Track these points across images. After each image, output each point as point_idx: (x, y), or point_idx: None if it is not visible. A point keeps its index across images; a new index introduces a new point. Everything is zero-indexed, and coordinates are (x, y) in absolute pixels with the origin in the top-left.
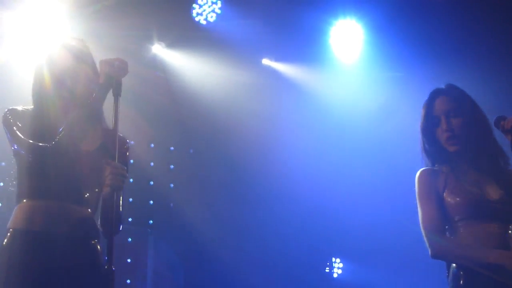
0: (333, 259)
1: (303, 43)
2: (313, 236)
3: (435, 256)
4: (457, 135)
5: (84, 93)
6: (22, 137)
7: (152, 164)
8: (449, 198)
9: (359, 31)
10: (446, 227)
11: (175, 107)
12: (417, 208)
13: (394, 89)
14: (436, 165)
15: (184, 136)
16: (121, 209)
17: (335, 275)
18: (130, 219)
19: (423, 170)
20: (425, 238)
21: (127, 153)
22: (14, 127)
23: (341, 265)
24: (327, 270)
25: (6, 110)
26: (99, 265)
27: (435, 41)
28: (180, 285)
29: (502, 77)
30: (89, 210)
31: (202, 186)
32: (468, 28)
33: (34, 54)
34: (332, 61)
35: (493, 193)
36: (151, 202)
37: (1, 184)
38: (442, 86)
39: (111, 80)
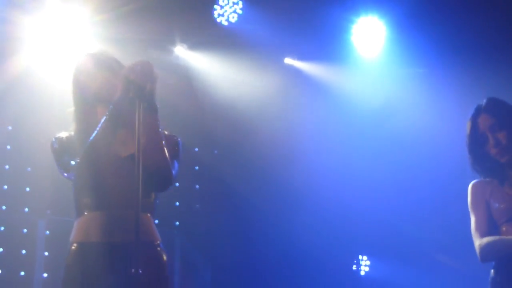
0: (360, 257)
1: (325, 41)
2: (340, 233)
3: (483, 257)
4: (505, 147)
5: (108, 99)
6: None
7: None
8: (493, 205)
9: (381, 28)
10: (493, 231)
11: (198, 108)
12: (445, 204)
13: (416, 86)
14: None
15: (208, 137)
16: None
17: (362, 273)
18: (156, 221)
19: (474, 182)
20: (475, 245)
21: (178, 152)
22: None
23: (368, 262)
24: (354, 268)
25: (53, 139)
26: (163, 271)
27: (456, 38)
28: (206, 286)
29: None
30: (148, 214)
31: (227, 187)
32: (491, 24)
33: (56, 59)
34: (355, 59)
35: None
36: (177, 203)
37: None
38: (482, 102)
39: (131, 85)
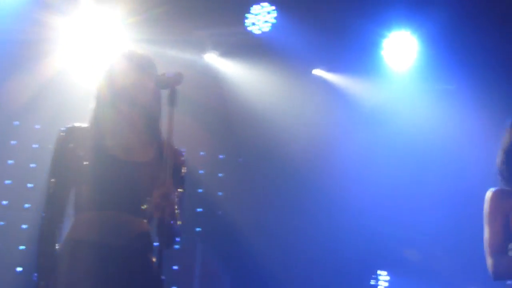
0: (379, 272)
1: (356, 54)
2: (360, 246)
3: (496, 276)
4: None
5: (143, 104)
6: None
7: (201, 171)
8: None
9: (413, 42)
10: (510, 247)
11: (226, 115)
12: (468, 220)
13: (446, 101)
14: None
15: (234, 144)
16: (177, 223)
17: None
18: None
19: (494, 190)
20: (487, 258)
21: (183, 166)
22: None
23: (387, 278)
24: (372, 283)
25: (63, 129)
26: (152, 278)
27: (488, 55)
28: None
29: None
30: (145, 220)
31: (250, 195)
32: None
33: (89, 60)
34: (385, 73)
35: None
36: (200, 209)
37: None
38: None
39: (166, 87)
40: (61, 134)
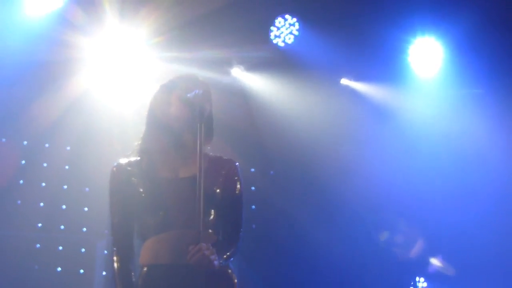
0: (417, 278)
1: (382, 61)
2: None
3: None
4: None
5: (183, 127)
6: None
7: None
8: None
9: (438, 48)
10: None
11: (255, 129)
12: (498, 222)
13: (473, 106)
14: None
15: (264, 157)
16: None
17: None
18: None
19: None
20: None
21: (236, 175)
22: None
23: (425, 284)
24: None
25: (114, 164)
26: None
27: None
28: None
29: None
30: (210, 230)
31: (283, 208)
32: None
33: (115, 80)
34: (412, 80)
35: None
36: None
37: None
38: None
39: (194, 107)
40: (113, 169)
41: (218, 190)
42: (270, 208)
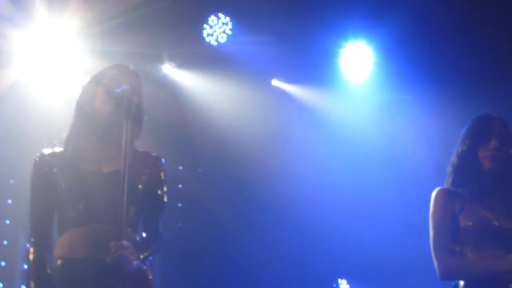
0: (339, 280)
1: (313, 64)
2: (319, 255)
3: (443, 276)
4: (500, 158)
5: (111, 117)
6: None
7: None
8: (462, 222)
9: (369, 53)
10: (457, 249)
11: (184, 126)
12: (427, 227)
13: (401, 112)
14: (454, 187)
15: (193, 155)
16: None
17: None
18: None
19: (440, 189)
20: (433, 259)
21: (161, 173)
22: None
23: (347, 286)
24: None
25: (38, 155)
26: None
27: (443, 66)
28: None
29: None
30: (128, 229)
31: (210, 206)
32: (477, 53)
33: (45, 72)
34: (342, 83)
35: (506, 221)
36: None
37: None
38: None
39: (121, 103)
40: (36, 159)
41: (140, 187)
42: (196, 206)
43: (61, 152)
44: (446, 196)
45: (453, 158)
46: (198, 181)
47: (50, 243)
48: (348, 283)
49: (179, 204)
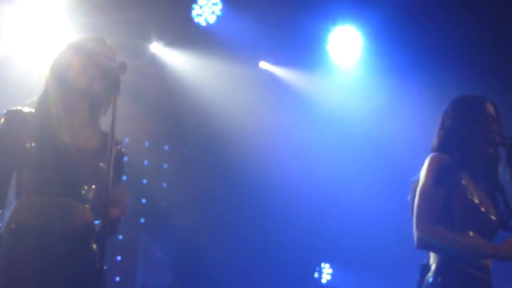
0: (322, 264)
1: (301, 47)
2: (303, 240)
3: (420, 243)
4: (495, 142)
5: (90, 92)
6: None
7: (145, 162)
8: (454, 205)
9: (357, 37)
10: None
11: (171, 106)
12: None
13: (389, 96)
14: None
15: (179, 135)
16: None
17: (323, 281)
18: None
19: (439, 156)
20: (414, 223)
21: (123, 155)
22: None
23: (330, 270)
24: (316, 276)
25: (5, 111)
26: (94, 266)
27: (432, 51)
28: (169, 283)
29: (500, 89)
30: (87, 206)
31: (194, 187)
32: (466, 38)
33: (33, 49)
34: (330, 67)
35: (492, 209)
36: (144, 200)
37: None
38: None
39: (110, 76)
40: (4, 115)
41: (104, 167)
42: (181, 187)
43: (33, 113)
44: (443, 166)
45: (440, 136)
46: (183, 162)
47: (4, 205)
48: (331, 267)
49: (164, 184)
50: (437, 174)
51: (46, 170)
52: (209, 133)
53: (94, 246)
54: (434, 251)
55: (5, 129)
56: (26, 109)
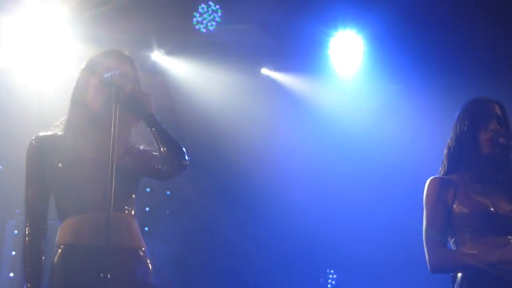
0: (328, 270)
1: (302, 53)
2: (309, 246)
3: (433, 267)
4: (499, 142)
5: (103, 112)
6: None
7: None
8: (457, 210)
9: (359, 42)
10: (453, 239)
11: (173, 113)
12: (414, 218)
13: (392, 101)
14: (448, 175)
15: (181, 142)
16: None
17: (328, 286)
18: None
19: (433, 178)
20: (425, 250)
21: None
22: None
23: (335, 276)
24: (321, 281)
25: (33, 138)
26: (147, 274)
27: (434, 55)
28: (169, 283)
29: (503, 92)
30: (132, 213)
31: (198, 194)
32: (468, 42)
33: (34, 58)
34: (331, 72)
35: (505, 206)
36: (147, 209)
37: None
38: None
39: (112, 87)
40: (32, 143)
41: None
42: (184, 194)
43: (58, 136)
44: (439, 185)
45: (450, 141)
46: (187, 169)
47: (46, 228)
48: (335, 273)
49: (168, 192)
50: (435, 195)
51: (83, 187)
52: (211, 140)
53: (142, 254)
54: (447, 272)
55: (36, 153)
56: (52, 133)
